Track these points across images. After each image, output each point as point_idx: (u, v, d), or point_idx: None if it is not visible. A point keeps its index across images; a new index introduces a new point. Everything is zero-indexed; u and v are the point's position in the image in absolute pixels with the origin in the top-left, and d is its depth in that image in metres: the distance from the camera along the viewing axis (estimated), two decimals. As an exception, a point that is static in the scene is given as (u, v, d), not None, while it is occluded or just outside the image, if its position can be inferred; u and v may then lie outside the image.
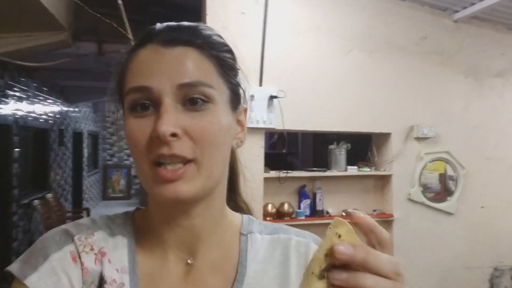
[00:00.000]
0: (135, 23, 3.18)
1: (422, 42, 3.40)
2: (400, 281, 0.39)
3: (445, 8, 3.43)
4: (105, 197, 11.59)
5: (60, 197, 7.00)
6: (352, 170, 3.26)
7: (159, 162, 0.52)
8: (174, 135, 0.51)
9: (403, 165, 3.30)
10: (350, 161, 3.33)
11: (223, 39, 0.61)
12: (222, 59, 0.58)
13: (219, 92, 0.56)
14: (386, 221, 3.30)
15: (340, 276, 0.37)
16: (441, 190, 3.42)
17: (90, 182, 10.02)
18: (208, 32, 0.59)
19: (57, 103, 7.24)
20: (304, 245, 0.62)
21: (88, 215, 6.52)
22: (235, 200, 0.71)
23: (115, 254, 0.57)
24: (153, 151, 0.52)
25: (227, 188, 0.64)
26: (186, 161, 0.52)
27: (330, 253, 0.37)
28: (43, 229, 5.54)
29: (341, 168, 3.26)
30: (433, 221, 3.38)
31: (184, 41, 0.55)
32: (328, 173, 3.21)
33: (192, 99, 0.53)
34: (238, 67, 0.63)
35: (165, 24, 0.58)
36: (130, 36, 2.52)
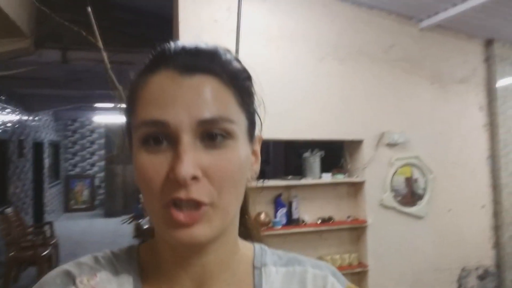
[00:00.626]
0: (101, 29, 3.08)
1: (390, 50, 3.48)
2: None
3: (411, 16, 3.54)
4: (67, 209, 11.16)
5: (21, 211, 6.66)
6: (327, 177, 3.28)
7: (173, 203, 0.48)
8: (194, 177, 0.46)
9: (375, 171, 3.36)
10: (323, 169, 3.36)
11: (241, 63, 0.56)
12: (241, 86, 0.53)
13: (239, 125, 0.51)
14: (360, 227, 3.35)
15: None
16: (408, 194, 3.51)
17: (52, 194, 9.62)
18: (228, 57, 0.54)
19: (16, 112, 6.91)
20: (322, 278, 0.59)
21: (51, 228, 6.24)
22: (245, 225, 0.66)
23: None
24: (169, 192, 0.47)
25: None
26: (202, 204, 0.48)
27: None
28: (3, 246, 5.25)
29: (315, 175, 3.28)
30: (404, 225, 3.46)
31: (203, 68, 0.50)
32: (303, 181, 3.21)
33: (211, 135, 0.48)
34: (255, 92, 0.58)
35: (181, 45, 0.52)
36: (100, 44, 2.42)
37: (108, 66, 2.64)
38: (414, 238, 3.48)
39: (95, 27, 2.35)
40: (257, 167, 0.58)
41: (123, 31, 4.04)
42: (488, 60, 3.86)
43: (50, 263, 5.47)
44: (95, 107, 8.51)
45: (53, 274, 0.54)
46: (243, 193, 0.55)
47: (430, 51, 3.63)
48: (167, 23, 3.24)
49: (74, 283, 0.52)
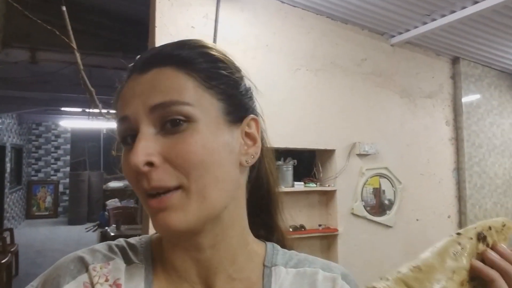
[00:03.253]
0: (74, 32, 3.01)
1: (363, 64, 3.58)
2: None
3: (383, 32, 3.65)
4: (29, 215, 10.73)
5: (-22, 217, 6.35)
6: (299, 186, 3.31)
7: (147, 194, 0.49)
8: (149, 164, 0.47)
9: (346, 181, 3.42)
10: (296, 177, 3.39)
11: (210, 48, 0.56)
12: (206, 71, 0.53)
13: (202, 107, 0.50)
14: (331, 235, 3.39)
15: None
16: (376, 204, 3.59)
17: (13, 200, 9.23)
18: (192, 44, 0.55)
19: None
20: (331, 280, 0.59)
21: (11, 235, 5.97)
22: (269, 227, 0.66)
23: (131, 285, 0.54)
24: (139, 185, 0.49)
25: (257, 211, 0.60)
26: (172, 190, 0.48)
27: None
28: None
29: (288, 184, 3.30)
30: (374, 234, 3.52)
31: (159, 61, 0.52)
32: (277, 189, 3.22)
33: (171, 121, 0.49)
34: (238, 76, 0.57)
35: (148, 50, 0.56)
36: (74, 45, 2.37)
37: (82, 67, 2.58)
38: (383, 247, 3.55)
39: (69, 27, 2.30)
40: (254, 150, 0.57)
41: (97, 35, 3.96)
42: (454, 77, 4.03)
43: (10, 271, 5.23)
44: (62, 111, 8.25)
45: (68, 260, 0.55)
46: (233, 179, 0.53)
47: (400, 66, 3.76)
48: (143, 28, 3.21)
49: (87, 270, 0.53)
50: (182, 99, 0.49)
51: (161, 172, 0.47)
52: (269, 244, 0.62)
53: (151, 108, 0.48)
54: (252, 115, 0.58)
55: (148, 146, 0.47)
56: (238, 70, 0.58)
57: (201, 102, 0.50)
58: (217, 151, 0.50)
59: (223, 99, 0.53)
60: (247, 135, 0.56)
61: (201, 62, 0.53)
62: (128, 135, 0.50)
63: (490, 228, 0.52)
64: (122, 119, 0.51)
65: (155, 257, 0.57)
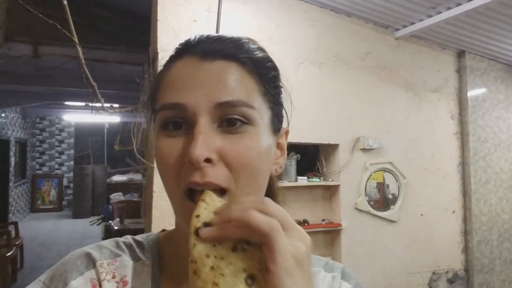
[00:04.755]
0: (76, 26, 2.99)
1: (367, 57, 3.54)
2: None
3: (387, 25, 3.61)
4: (33, 209, 10.80)
5: (-17, 210, 6.39)
6: (302, 180, 3.29)
7: (190, 190, 0.47)
8: (208, 160, 0.46)
9: (350, 176, 3.40)
10: (299, 172, 3.37)
11: (267, 53, 0.56)
12: (266, 76, 0.53)
13: (260, 113, 0.50)
14: (335, 230, 3.38)
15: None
16: (380, 199, 3.57)
17: (17, 194, 9.28)
18: (252, 46, 0.54)
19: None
20: (331, 279, 0.60)
21: (16, 228, 6.00)
22: None
23: (138, 282, 0.54)
24: (185, 177, 0.47)
25: None
26: (218, 190, 0.47)
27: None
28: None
29: (291, 178, 3.28)
30: (377, 229, 3.51)
31: (225, 54, 0.50)
32: (279, 184, 3.20)
33: (230, 120, 0.48)
34: (282, 85, 0.58)
35: (205, 34, 0.53)
36: (76, 39, 2.35)
37: (83, 61, 2.57)
38: (387, 242, 3.54)
39: (70, 21, 2.27)
40: (282, 161, 0.57)
41: (98, 29, 3.94)
42: (460, 70, 3.98)
43: (15, 263, 5.26)
44: (65, 105, 8.26)
45: (75, 255, 0.55)
46: (265, 186, 0.54)
47: (405, 59, 3.72)
48: (144, 22, 3.18)
49: (94, 266, 0.53)
50: (249, 101, 0.49)
51: (217, 169, 0.46)
52: None
53: (217, 104, 0.47)
54: (287, 128, 0.59)
55: (209, 141, 0.46)
56: (281, 79, 0.59)
57: (260, 106, 0.50)
58: (265, 158, 0.51)
59: (271, 107, 0.53)
60: (279, 145, 0.57)
61: (264, 67, 0.53)
62: (173, 121, 0.49)
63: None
64: (174, 105, 0.48)
65: (162, 255, 0.57)
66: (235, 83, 0.49)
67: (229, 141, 0.47)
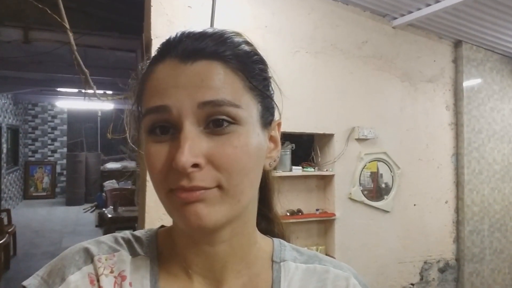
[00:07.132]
0: (67, 10, 2.93)
1: (363, 46, 3.51)
2: None
3: (384, 14, 3.57)
4: (26, 196, 10.74)
5: (-25, 197, 6.34)
6: (297, 170, 3.28)
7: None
8: (195, 165, 0.45)
9: (344, 166, 3.39)
10: (294, 162, 3.36)
11: (252, 45, 0.54)
12: (252, 71, 0.51)
13: (248, 110, 0.49)
14: (328, 220, 3.38)
15: None
16: (374, 189, 3.57)
17: (10, 180, 9.22)
18: (236, 40, 0.52)
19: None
20: (344, 279, 0.59)
21: (9, 216, 5.96)
22: (267, 218, 0.65)
23: (137, 277, 0.54)
24: (172, 181, 0.47)
25: (258, 206, 0.59)
26: (206, 188, 0.47)
27: None
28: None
29: (286, 168, 3.27)
30: (371, 219, 3.52)
31: (207, 53, 0.49)
32: (273, 174, 3.19)
33: (217, 121, 0.47)
34: (270, 76, 0.56)
35: (186, 32, 0.51)
36: (67, 25, 2.30)
37: (75, 47, 2.52)
38: (380, 232, 3.55)
39: (61, 5, 2.22)
40: (276, 154, 0.57)
41: (91, 14, 3.86)
42: (456, 61, 3.96)
43: (8, 251, 5.24)
44: (58, 91, 8.16)
45: (73, 251, 0.55)
46: (258, 182, 0.53)
47: (401, 49, 3.69)
48: (138, 7, 3.12)
49: (92, 261, 0.53)
50: (234, 100, 0.48)
51: (204, 173, 0.46)
52: (276, 240, 0.62)
53: (200, 104, 0.46)
54: (279, 119, 0.58)
55: (195, 147, 0.45)
56: (269, 70, 0.57)
57: (247, 104, 0.50)
58: (256, 155, 0.50)
59: (260, 102, 0.52)
60: (271, 138, 0.56)
61: (250, 61, 0.52)
62: (159, 126, 0.48)
63: None
64: (158, 108, 0.48)
65: (160, 250, 0.57)
66: (219, 83, 0.48)
67: (216, 144, 0.47)
